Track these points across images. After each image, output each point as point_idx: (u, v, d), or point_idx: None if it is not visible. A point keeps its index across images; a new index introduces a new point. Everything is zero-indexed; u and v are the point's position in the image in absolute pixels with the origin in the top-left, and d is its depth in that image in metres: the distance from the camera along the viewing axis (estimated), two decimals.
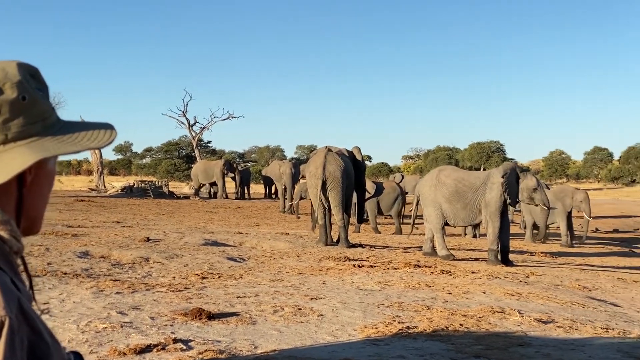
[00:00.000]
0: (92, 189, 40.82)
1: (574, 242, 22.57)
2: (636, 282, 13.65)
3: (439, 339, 6.29)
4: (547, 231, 23.54)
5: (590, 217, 24.22)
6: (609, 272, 14.99)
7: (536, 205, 15.71)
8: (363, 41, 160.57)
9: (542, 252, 17.93)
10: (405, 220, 25.73)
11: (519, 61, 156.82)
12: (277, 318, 7.03)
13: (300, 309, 7.52)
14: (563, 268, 14.65)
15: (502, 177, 14.27)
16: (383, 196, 22.79)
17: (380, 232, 21.87)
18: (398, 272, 11.34)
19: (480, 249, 17.06)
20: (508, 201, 14.31)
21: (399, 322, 7.01)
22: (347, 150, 16.81)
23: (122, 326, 6.34)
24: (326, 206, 15.76)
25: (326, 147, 16.41)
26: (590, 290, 11.35)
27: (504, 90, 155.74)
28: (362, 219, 21.14)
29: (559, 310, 8.46)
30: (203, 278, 9.71)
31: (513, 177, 14.53)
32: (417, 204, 15.69)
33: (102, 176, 43.18)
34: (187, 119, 59.31)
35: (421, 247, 15.74)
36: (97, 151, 43.22)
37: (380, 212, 23.17)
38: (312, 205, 17.86)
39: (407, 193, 31.43)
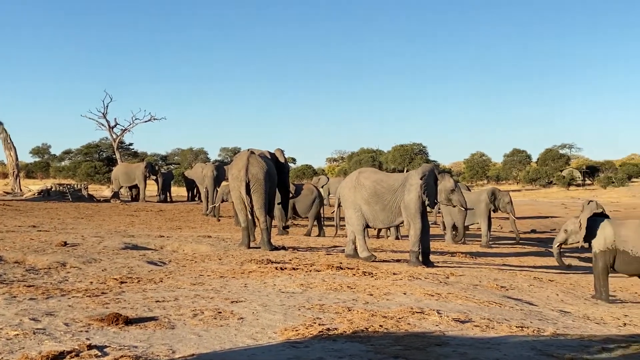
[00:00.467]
0: (7, 193, 39.72)
1: (491, 242, 23.02)
2: (552, 281, 14.01)
3: (358, 340, 6.32)
4: (467, 232, 23.97)
5: (515, 217, 24.89)
6: (526, 271, 15.34)
7: (454, 207, 15.95)
8: (284, 42, 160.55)
9: (462, 253, 18.22)
10: (329, 223, 25.84)
11: (439, 64, 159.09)
12: (197, 322, 6.96)
13: (220, 313, 7.46)
14: (482, 268, 14.92)
15: (421, 178, 14.44)
16: (300, 198, 22.77)
17: (288, 234, 21.81)
18: (320, 274, 11.37)
19: (402, 250, 17.23)
20: (427, 202, 14.49)
21: (319, 324, 7.01)
22: (270, 153, 16.77)
23: (34, 333, 6.18)
24: (249, 209, 15.70)
25: (249, 149, 16.35)
26: (507, 289, 11.58)
27: (427, 93, 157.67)
28: (286, 226, 21.16)
29: (476, 309, 8.60)
30: (122, 282, 9.55)
31: (431, 178, 14.72)
32: (339, 206, 15.76)
33: (17, 179, 42.09)
34: (108, 121, 58.34)
35: (344, 249, 15.80)
36: (12, 153, 42.16)
37: (296, 214, 23.11)
38: (234, 208, 17.76)
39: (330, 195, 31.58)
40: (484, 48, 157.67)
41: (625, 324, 9.27)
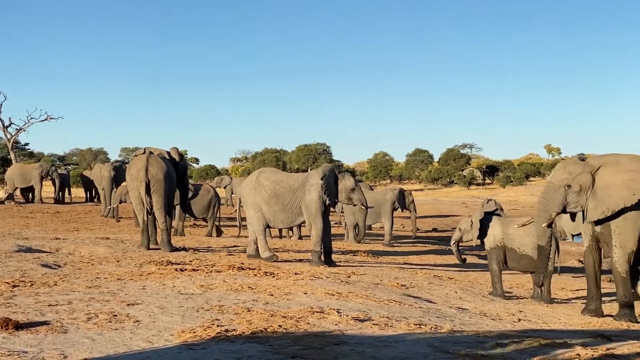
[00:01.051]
0: None
1: (393, 241, 23.32)
2: (451, 279, 14.25)
3: (257, 341, 6.26)
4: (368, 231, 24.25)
5: (417, 216, 25.37)
6: (426, 270, 15.55)
7: (354, 205, 16.04)
8: (185, 40, 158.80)
9: (364, 252, 18.35)
10: (232, 223, 25.67)
11: (341, 64, 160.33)
12: (91, 326, 6.77)
13: (115, 316, 7.27)
14: (384, 267, 15.06)
15: (321, 178, 14.47)
16: (197, 198, 22.52)
17: (184, 235, 21.57)
18: (221, 274, 11.25)
19: (305, 250, 17.23)
20: (327, 202, 14.53)
21: (217, 326, 6.92)
22: (167, 152, 16.55)
23: None
24: (148, 209, 15.44)
25: (146, 149, 16.08)
26: (407, 288, 11.71)
27: (331, 93, 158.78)
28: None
29: (376, 308, 8.65)
30: (14, 286, 9.21)
31: (332, 178, 14.76)
32: (241, 206, 15.65)
33: None
34: (1, 120, 56.41)
35: (246, 249, 15.70)
36: None
37: (192, 214, 22.81)
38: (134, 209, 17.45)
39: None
40: (386, 47, 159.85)
41: (520, 319, 9.48)
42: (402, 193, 24.14)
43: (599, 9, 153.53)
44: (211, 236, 21.92)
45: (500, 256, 12.57)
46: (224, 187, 37.05)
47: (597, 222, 10.76)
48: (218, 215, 23.24)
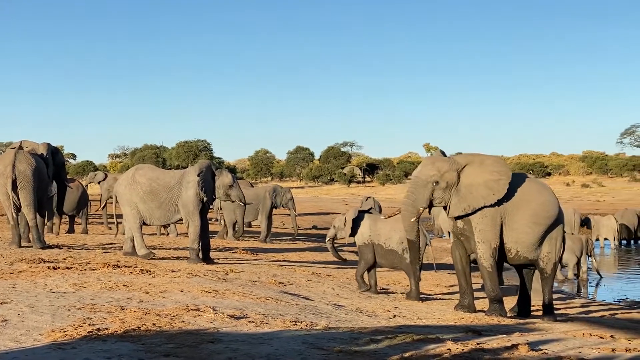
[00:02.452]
0: None
1: (273, 239, 23.38)
2: (329, 276, 14.37)
3: (129, 340, 6.14)
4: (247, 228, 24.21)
5: (296, 213, 25.44)
6: (305, 267, 15.63)
7: (232, 202, 15.98)
8: (60, 33, 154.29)
9: (243, 250, 18.30)
10: (110, 220, 25.12)
11: (224, 60, 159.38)
12: None
13: None
14: (262, 264, 15.04)
15: (198, 175, 14.34)
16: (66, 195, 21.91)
17: (52, 232, 21.02)
18: (96, 273, 10.99)
19: (183, 248, 17.03)
20: (205, 199, 14.42)
21: (89, 325, 6.74)
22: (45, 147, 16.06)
23: None
24: (17, 206, 14.94)
25: (22, 142, 15.57)
26: (285, 285, 11.75)
27: (212, 89, 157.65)
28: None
29: (253, 305, 8.64)
30: None
31: (208, 174, 14.66)
32: (117, 203, 15.34)
33: None
34: None
35: (122, 246, 15.40)
36: None
37: (61, 211, 22.17)
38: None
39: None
40: (267, 44, 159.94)
41: (395, 315, 9.65)
42: (275, 190, 24.20)
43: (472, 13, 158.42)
44: (86, 233, 21.43)
45: (369, 252, 12.75)
46: (98, 183, 36.16)
47: (457, 218, 11.11)
48: (90, 213, 22.74)
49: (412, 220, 11.29)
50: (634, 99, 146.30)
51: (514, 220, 11.02)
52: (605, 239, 28.76)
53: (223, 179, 14.83)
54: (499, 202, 10.88)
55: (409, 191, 11.35)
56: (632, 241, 30.39)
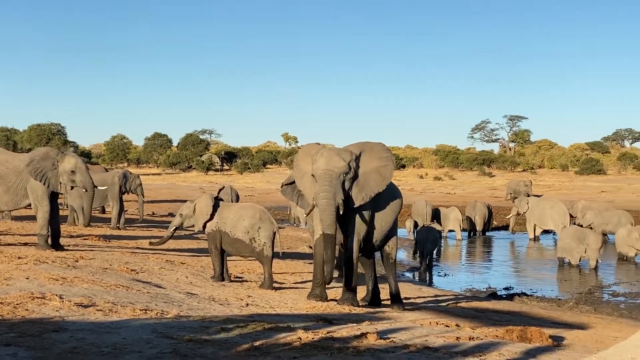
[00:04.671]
0: None
1: (126, 225, 22.91)
2: (183, 264, 14.22)
3: None
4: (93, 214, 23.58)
5: (144, 200, 25.01)
6: (159, 254, 15.38)
7: (78, 187, 15.48)
8: None
9: (95, 236, 17.81)
10: None
11: (84, 41, 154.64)
12: None
13: None
14: (115, 251, 14.70)
15: (27, 165, 13.83)
16: None
17: None
18: None
19: (31, 234, 16.39)
20: (49, 185, 13.95)
21: None
22: None
23: None
24: None
25: None
26: (138, 272, 11.52)
27: (68, 71, 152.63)
28: None
29: (102, 293, 8.41)
30: None
31: (46, 162, 14.03)
32: None
33: None
34: None
35: None
36: None
37: None
38: None
39: None
40: (121, 25, 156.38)
41: (248, 304, 9.64)
42: (125, 175, 23.73)
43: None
44: None
45: (217, 240, 12.67)
46: None
47: (361, 208, 11.13)
48: None
49: (334, 214, 10.71)
50: (484, 95, 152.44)
51: (380, 209, 11.31)
52: (451, 230, 29.76)
53: (64, 166, 14.23)
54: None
55: (326, 184, 10.73)
56: (482, 232, 31.52)
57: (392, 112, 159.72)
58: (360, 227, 11.09)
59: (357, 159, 11.06)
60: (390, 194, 11.51)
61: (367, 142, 11.50)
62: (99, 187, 17.79)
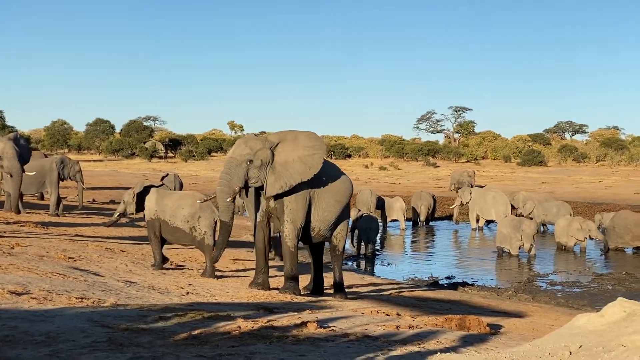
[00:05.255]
0: None
1: (65, 212, 22.53)
2: (123, 252, 14.01)
3: None
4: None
5: (84, 186, 24.65)
6: (98, 242, 15.14)
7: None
8: None
9: (33, 223, 17.46)
10: None
11: (20, 23, 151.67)
12: None
13: None
14: (53, 239, 14.42)
15: None
16: None
17: None
18: None
19: None
20: None
21: None
22: None
23: None
24: None
25: None
26: (76, 260, 11.32)
27: (7, 54, 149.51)
28: None
29: (37, 281, 8.23)
30: None
31: None
32: None
33: None
34: None
35: None
36: None
37: None
38: None
39: None
40: (64, 8, 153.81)
41: (188, 292, 9.54)
42: (63, 161, 23.30)
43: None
44: None
45: (156, 228, 12.56)
46: None
47: (276, 198, 11.12)
48: None
49: (227, 200, 11.08)
50: (430, 85, 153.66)
51: (321, 198, 11.25)
52: (394, 219, 29.90)
53: None
54: (310, 181, 11.03)
55: (224, 172, 11.16)
56: (425, 222, 31.72)
57: (339, 102, 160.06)
58: (296, 216, 11.05)
59: (274, 147, 11.10)
60: (335, 183, 11.46)
61: (293, 131, 11.50)
62: (27, 173, 17.44)
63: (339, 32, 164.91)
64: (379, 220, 26.16)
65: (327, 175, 11.33)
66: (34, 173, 20.74)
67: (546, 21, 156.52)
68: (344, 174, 11.91)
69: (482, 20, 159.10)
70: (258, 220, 11.44)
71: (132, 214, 13.40)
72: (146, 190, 13.10)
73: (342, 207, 11.61)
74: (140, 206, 13.11)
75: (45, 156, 26.98)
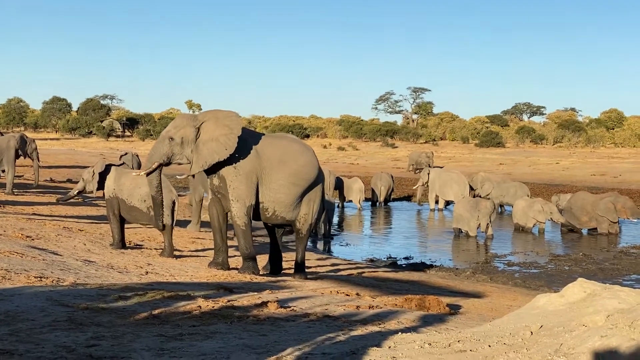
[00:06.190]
0: None
1: (22, 190, 22.27)
2: (82, 231, 13.90)
3: None
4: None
5: (39, 164, 24.41)
6: (56, 221, 15.00)
7: None
8: None
9: None
10: None
11: None
12: None
13: None
14: (9, 217, 14.25)
15: None
16: None
17: None
18: None
19: None
20: None
21: None
22: None
23: None
24: None
25: None
26: (33, 239, 11.20)
27: None
28: None
29: None
30: None
31: None
32: None
33: None
34: None
35: None
36: None
37: None
38: None
39: None
40: None
41: (147, 272, 9.50)
42: (23, 139, 23.04)
43: None
44: None
45: (114, 206, 12.51)
46: None
47: (209, 173, 11.11)
48: None
49: (142, 173, 11.36)
50: (389, 66, 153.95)
51: (272, 179, 11.14)
52: (350, 200, 29.99)
53: None
54: (255, 161, 10.97)
55: (152, 147, 11.37)
56: (384, 203, 31.82)
57: (298, 82, 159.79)
58: (240, 194, 10.96)
59: (199, 125, 11.12)
60: (290, 165, 11.24)
61: (218, 110, 11.52)
62: None
63: (298, 12, 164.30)
64: (337, 201, 26.22)
65: (280, 156, 11.20)
66: None
67: (504, 2, 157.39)
68: (311, 159, 11.63)
69: (441, 0, 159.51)
70: (210, 198, 11.49)
71: (92, 192, 13.38)
72: (107, 169, 13.01)
73: (300, 190, 11.39)
74: (101, 185, 13.03)
75: (1, 134, 26.57)
